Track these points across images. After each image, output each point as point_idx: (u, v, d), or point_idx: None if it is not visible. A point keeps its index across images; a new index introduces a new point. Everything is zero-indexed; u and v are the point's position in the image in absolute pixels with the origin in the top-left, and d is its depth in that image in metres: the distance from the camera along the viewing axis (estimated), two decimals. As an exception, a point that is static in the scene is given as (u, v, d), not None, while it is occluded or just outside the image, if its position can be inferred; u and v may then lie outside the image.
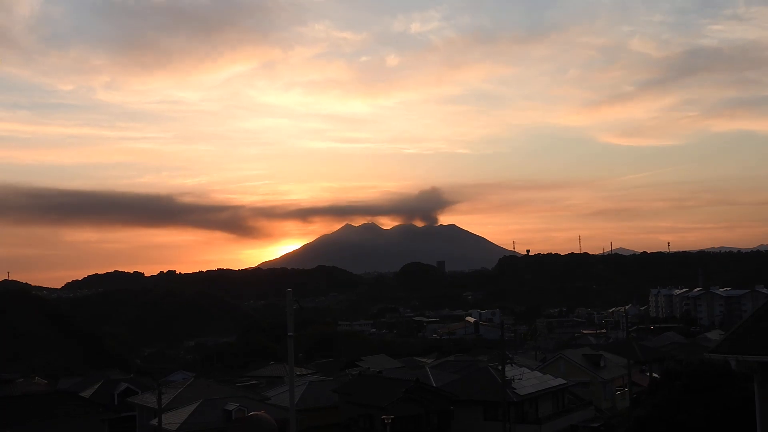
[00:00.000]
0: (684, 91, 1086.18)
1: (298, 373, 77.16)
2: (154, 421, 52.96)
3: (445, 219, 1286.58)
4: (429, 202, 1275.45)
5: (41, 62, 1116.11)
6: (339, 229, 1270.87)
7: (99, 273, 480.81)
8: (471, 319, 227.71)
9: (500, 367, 57.03)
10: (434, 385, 63.13)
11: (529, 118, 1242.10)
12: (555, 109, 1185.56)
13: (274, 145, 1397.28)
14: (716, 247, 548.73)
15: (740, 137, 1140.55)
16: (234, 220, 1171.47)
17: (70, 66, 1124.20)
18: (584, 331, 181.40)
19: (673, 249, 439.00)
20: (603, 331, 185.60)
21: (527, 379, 61.84)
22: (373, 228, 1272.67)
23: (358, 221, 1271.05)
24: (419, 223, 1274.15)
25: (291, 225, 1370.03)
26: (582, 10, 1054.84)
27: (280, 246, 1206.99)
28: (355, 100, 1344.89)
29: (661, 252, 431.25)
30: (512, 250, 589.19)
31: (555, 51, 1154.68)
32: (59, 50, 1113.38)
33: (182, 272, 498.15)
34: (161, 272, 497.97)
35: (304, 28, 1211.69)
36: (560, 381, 65.46)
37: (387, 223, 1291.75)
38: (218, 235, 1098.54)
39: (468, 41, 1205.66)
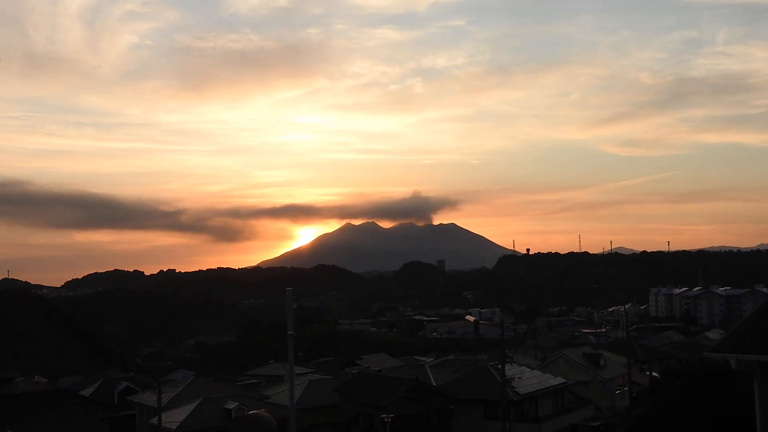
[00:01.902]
0: (676, 110, 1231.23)
1: (297, 371, 77.12)
2: (154, 420, 52.97)
3: (445, 218, 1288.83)
4: (431, 203, 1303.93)
5: (117, 92, 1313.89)
6: (339, 229, 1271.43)
7: (99, 272, 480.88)
8: (471, 318, 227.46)
9: (500, 366, 57.07)
10: (434, 384, 63.18)
11: (536, 134, 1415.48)
12: (559, 125, 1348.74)
13: (299, 156, 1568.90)
14: (716, 246, 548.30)
15: (731, 148, 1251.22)
16: (236, 221, 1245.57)
17: (142, 95, 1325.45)
18: (584, 330, 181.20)
19: (672, 248, 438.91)
20: (603, 330, 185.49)
21: (527, 378, 61.87)
22: (373, 227, 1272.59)
23: (358, 221, 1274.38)
24: (419, 223, 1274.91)
25: (292, 225, 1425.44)
26: (583, 48, 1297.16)
27: (280, 245, 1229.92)
28: (381, 119, 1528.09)
29: (660, 251, 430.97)
30: (512, 249, 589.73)
31: (560, 80, 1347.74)
32: (137, 83, 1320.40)
33: (182, 271, 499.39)
34: (161, 271, 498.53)
35: (350, 65, 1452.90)
36: (560, 380, 65.49)
37: (387, 222, 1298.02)
38: (218, 236, 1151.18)
39: (485, 73, 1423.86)
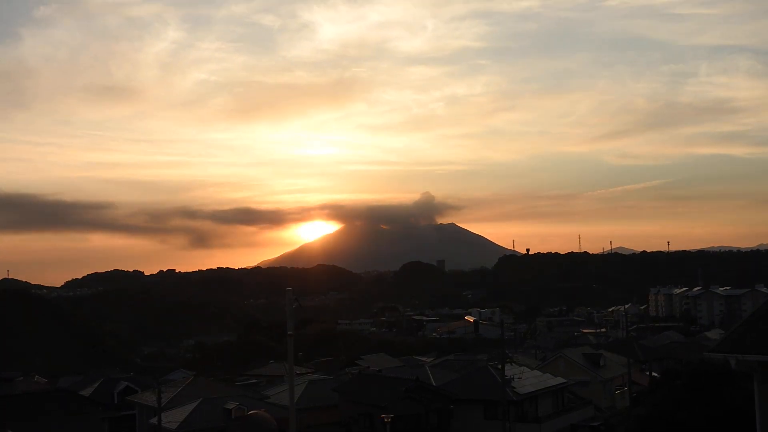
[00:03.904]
0: (669, 127, 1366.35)
1: (297, 371, 77.16)
2: (154, 420, 53.01)
3: (446, 220, 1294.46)
4: (434, 206, 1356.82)
5: (177, 116, 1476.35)
6: (339, 229, 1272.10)
7: (99, 272, 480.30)
8: (471, 318, 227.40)
9: (500, 366, 57.10)
10: (434, 384, 63.16)
11: (540, 148, 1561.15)
12: (562, 140, 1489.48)
13: (320, 167, 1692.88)
14: (716, 246, 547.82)
15: (722, 158, 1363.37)
16: (244, 223, 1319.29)
17: (198, 118, 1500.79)
18: (584, 330, 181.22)
19: (672, 248, 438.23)
20: (603, 330, 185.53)
21: (527, 378, 61.86)
22: (374, 227, 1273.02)
23: (360, 221, 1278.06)
24: (420, 223, 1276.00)
25: (294, 226, 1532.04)
26: (584, 79, 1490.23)
27: (280, 245, 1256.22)
28: (402, 136, 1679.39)
29: (660, 251, 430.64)
30: (512, 249, 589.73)
31: (564, 104, 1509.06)
32: (196, 109, 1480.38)
33: (182, 271, 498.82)
34: (161, 271, 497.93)
35: (385, 94, 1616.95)
36: (560, 380, 65.47)
37: (388, 223, 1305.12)
38: (224, 237, 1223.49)
39: (498, 99, 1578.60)
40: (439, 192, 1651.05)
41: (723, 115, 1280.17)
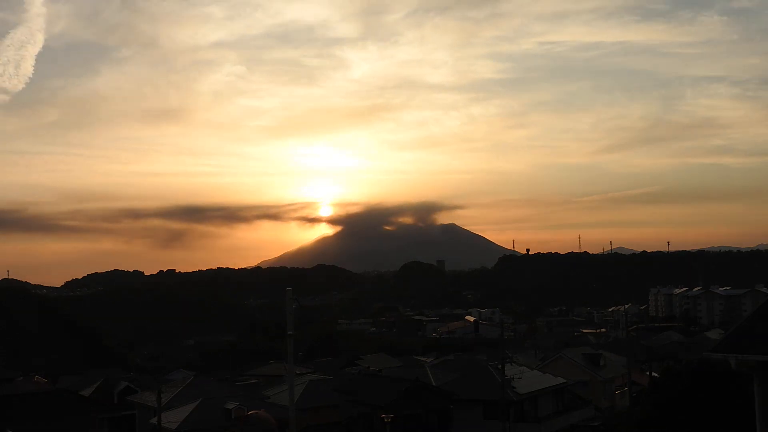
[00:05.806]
0: (663, 142, 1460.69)
1: (297, 371, 76.97)
2: (154, 420, 52.99)
3: (446, 220, 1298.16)
4: (434, 207, 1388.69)
5: (219, 134, 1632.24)
6: (340, 229, 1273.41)
7: (99, 272, 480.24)
8: (471, 318, 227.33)
9: (500, 366, 57.10)
10: (434, 384, 63.19)
11: (543, 160, 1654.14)
12: (564, 152, 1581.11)
13: (336, 176, 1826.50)
14: (716, 246, 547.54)
15: (716, 166, 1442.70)
16: (238, 223, 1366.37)
17: (239, 136, 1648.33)
18: (584, 330, 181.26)
19: (672, 248, 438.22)
20: (603, 330, 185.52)
21: (527, 378, 61.88)
22: (374, 228, 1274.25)
23: (359, 222, 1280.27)
24: (419, 223, 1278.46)
25: (292, 225, 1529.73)
26: (585, 102, 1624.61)
27: (280, 245, 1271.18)
28: (413, 149, 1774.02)
29: (660, 251, 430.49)
30: (512, 249, 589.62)
31: (566, 122, 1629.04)
32: (239, 129, 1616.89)
33: (182, 271, 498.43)
34: (161, 271, 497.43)
35: (409, 115, 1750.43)
36: (560, 380, 65.49)
37: (387, 222, 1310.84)
38: (215, 238, 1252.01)
39: (507, 118, 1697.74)
40: (443, 195, 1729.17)
41: (712, 130, 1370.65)
